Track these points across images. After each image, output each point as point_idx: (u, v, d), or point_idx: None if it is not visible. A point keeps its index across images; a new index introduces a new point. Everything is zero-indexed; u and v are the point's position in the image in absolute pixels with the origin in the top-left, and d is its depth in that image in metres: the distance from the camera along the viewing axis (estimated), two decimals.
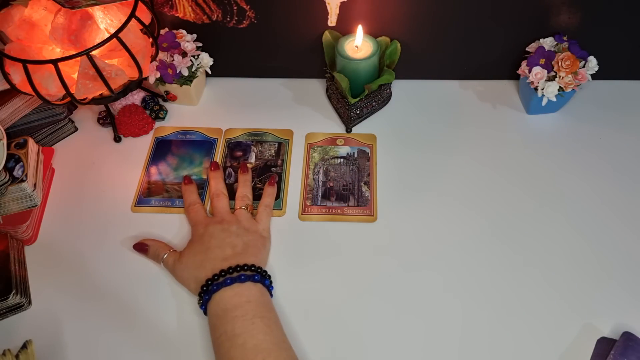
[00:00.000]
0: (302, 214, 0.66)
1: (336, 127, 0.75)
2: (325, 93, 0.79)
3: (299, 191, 0.69)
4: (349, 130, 0.74)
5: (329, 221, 0.66)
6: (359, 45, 0.70)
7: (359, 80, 0.70)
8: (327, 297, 0.59)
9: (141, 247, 0.62)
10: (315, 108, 0.78)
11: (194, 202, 0.66)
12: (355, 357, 0.55)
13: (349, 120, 0.73)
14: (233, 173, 0.71)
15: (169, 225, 0.66)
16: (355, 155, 0.72)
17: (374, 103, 0.75)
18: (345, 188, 0.68)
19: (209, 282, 0.55)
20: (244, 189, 0.67)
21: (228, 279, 0.54)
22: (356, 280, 0.61)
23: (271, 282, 0.58)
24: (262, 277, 0.56)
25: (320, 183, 0.69)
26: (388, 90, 0.76)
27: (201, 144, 0.74)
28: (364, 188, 0.68)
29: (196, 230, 0.61)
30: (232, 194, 0.68)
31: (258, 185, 0.69)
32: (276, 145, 0.73)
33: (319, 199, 0.68)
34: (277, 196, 0.68)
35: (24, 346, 0.54)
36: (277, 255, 0.63)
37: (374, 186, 0.68)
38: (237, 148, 0.73)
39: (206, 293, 0.54)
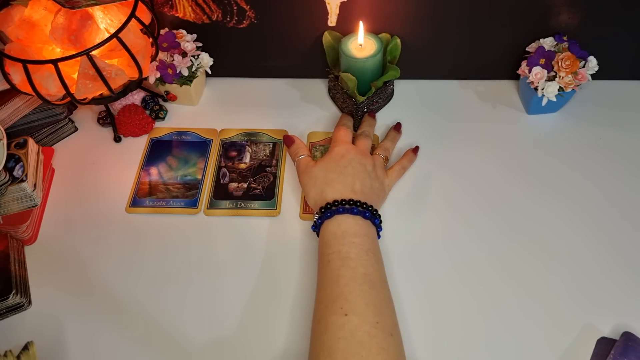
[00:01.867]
0: (303, 213, 0.66)
1: None
2: (328, 94, 0.79)
3: (300, 191, 0.68)
4: (356, 129, 0.74)
5: None
6: (362, 42, 0.70)
7: (364, 78, 0.70)
8: None
9: (288, 140, 0.68)
10: (317, 108, 0.78)
11: (347, 125, 0.69)
12: None
13: (357, 119, 0.73)
14: (227, 173, 0.71)
15: (163, 226, 0.66)
16: None
17: (379, 100, 0.75)
18: None
19: (336, 203, 0.57)
20: (390, 142, 0.70)
21: (355, 209, 0.56)
22: None
23: (382, 230, 0.60)
24: (379, 223, 0.59)
25: None
26: (391, 86, 0.76)
27: (196, 145, 0.74)
28: None
29: (338, 149, 0.64)
30: (226, 193, 0.68)
31: (252, 184, 0.69)
32: (271, 146, 0.73)
33: None
34: (272, 196, 0.68)
35: (25, 347, 0.54)
36: (279, 255, 0.63)
37: None
38: (231, 148, 0.73)
39: (329, 211, 0.57)
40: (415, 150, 0.70)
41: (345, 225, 0.56)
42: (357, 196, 0.58)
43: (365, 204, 0.58)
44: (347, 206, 0.57)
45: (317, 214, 0.59)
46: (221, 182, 0.70)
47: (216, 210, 0.67)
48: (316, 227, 0.59)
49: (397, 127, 0.72)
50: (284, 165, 0.71)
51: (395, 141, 0.71)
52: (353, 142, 0.67)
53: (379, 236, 0.59)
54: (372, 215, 0.58)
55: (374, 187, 0.61)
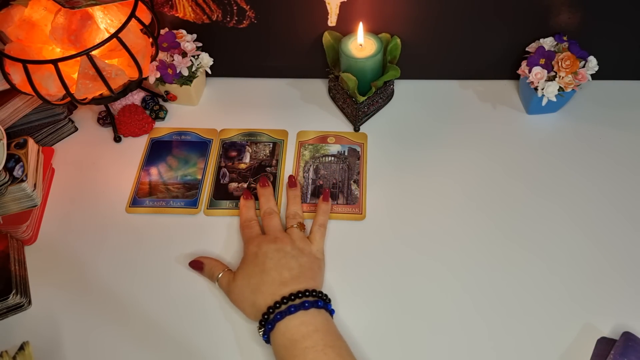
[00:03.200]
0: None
1: (342, 125, 0.75)
2: (328, 94, 0.79)
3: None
4: (357, 129, 0.74)
5: None
6: (362, 43, 0.71)
7: (365, 78, 0.70)
8: None
9: (196, 265, 0.61)
10: (317, 108, 0.78)
11: (251, 218, 0.63)
12: None
13: (357, 119, 0.73)
14: (227, 173, 0.71)
15: (162, 226, 0.66)
16: (346, 154, 0.72)
17: (379, 100, 0.75)
18: (335, 186, 0.69)
19: (271, 311, 0.52)
20: (294, 206, 0.64)
21: (292, 307, 0.51)
22: (345, 279, 0.61)
23: (331, 305, 0.55)
24: (324, 303, 0.53)
25: (310, 181, 0.69)
26: (391, 86, 0.76)
27: (196, 145, 0.74)
28: (354, 186, 0.68)
29: (249, 249, 0.58)
30: (227, 193, 0.68)
31: (252, 185, 0.69)
32: (271, 146, 0.73)
33: (309, 196, 0.68)
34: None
35: (21, 347, 0.54)
36: None
37: (364, 184, 0.69)
38: (231, 148, 0.73)
39: (268, 322, 0.51)
40: (325, 196, 0.64)
41: (291, 331, 0.50)
42: (289, 287, 0.53)
43: (300, 291, 0.52)
44: (282, 308, 0.51)
45: (259, 328, 0.53)
46: (221, 182, 0.70)
47: (216, 210, 0.67)
48: (268, 343, 0.53)
49: (291, 182, 0.66)
50: (284, 165, 0.71)
51: (298, 200, 0.65)
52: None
53: (333, 312, 0.55)
54: (312, 302, 0.52)
55: (303, 263, 0.56)
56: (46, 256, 0.64)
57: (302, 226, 0.62)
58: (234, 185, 0.69)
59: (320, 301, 0.53)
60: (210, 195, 0.69)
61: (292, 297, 0.52)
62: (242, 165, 0.71)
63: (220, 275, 0.59)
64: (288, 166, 0.71)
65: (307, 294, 0.53)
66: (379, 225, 0.65)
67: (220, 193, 0.69)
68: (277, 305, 0.52)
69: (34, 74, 0.60)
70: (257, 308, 0.53)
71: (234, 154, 0.73)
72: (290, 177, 0.66)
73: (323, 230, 0.62)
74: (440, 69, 0.79)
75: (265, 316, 0.52)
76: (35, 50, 0.63)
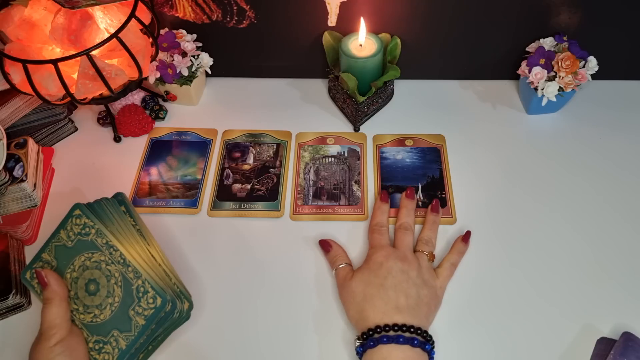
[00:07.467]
0: (293, 214, 0.67)
1: (342, 125, 0.75)
2: (328, 94, 0.79)
3: (290, 191, 0.69)
4: (357, 130, 0.74)
5: (320, 220, 0.66)
6: (362, 42, 0.70)
7: (365, 78, 0.70)
8: (320, 296, 0.60)
9: (325, 246, 0.61)
10: (317, 108, 0.78)
11: (382, 224, 0.61)
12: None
13: (357, 119, 0.73)
14: (231, 174, 0.70)
15: (162, 226, 0.66)
16: (346, 154, 0.72)
17: (379, 100, 0.75)
18: (336, 187, 0.69)
19: (379, 330, 0.51)
20: (431, 232, 0.61)
21: (401, 337, 0.50)
22: None
23: (434, 353, 0.53)
24: (431, 348, 0.52)
25: (311, 182, 0.69)
26: (391, 86, 0.76)
27: (196, 145, 0.74)
28: (355, 187, 0.68)
29: (375, 256, 0.57)
30: (230, 195, 0.68)
31: (256, 186, 0.69)
32: (274, 147, 0.73)
33: (310, 198, 0.68)
34: (275, 197, 0.68)
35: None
36: (282, 256, 0.63)
37: (365, 185, 0.69)
38: (235, 149, 0.73)
39: (372, 339, 0.51)
40: (466, 238, 0.61)
41: (392, 359, 0.50)
42: (402, 315, 0.52)
43: (412, 327, 0.51)
44: (391, 333, 0.50)
45: (358, 339, 0.53)
46: (225, 183, 0.70)
47: (220, 212, 0.67)
48: (358, 354, 0.52)
49: (435, 208, 0.63)
50: (288, 166, 0.71)
51: (436, 227, 0.62)
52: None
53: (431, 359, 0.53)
54: (421, 342, 0.51)
55: (422, 295, 0.54)
56: None
57: (432, 256, 0.59)
58: (237, 186, 0.69)
59: (428, 345, 0.52)
60: (214, 196, 0.68)
61: (404, 328, 0.51)
62: (246, 167, 0.71)
63: (341, 266, 0.59)
64: (292, 167, 0.71)
65: (419, 332, 0.51)
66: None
67: (224, 194, 0.69)
68: (387, 328, 0.51)
69: (34, 74, 0.60)
70: (363, 317, 0.53)
71: (237, 155, 0.73)
72: (436, 200, 0.64)
73: (453, 269, 0.59)
74: (440, 69, 0.79)
75: (371, 332, 0.51)
76: (35, 50, 0.63)
